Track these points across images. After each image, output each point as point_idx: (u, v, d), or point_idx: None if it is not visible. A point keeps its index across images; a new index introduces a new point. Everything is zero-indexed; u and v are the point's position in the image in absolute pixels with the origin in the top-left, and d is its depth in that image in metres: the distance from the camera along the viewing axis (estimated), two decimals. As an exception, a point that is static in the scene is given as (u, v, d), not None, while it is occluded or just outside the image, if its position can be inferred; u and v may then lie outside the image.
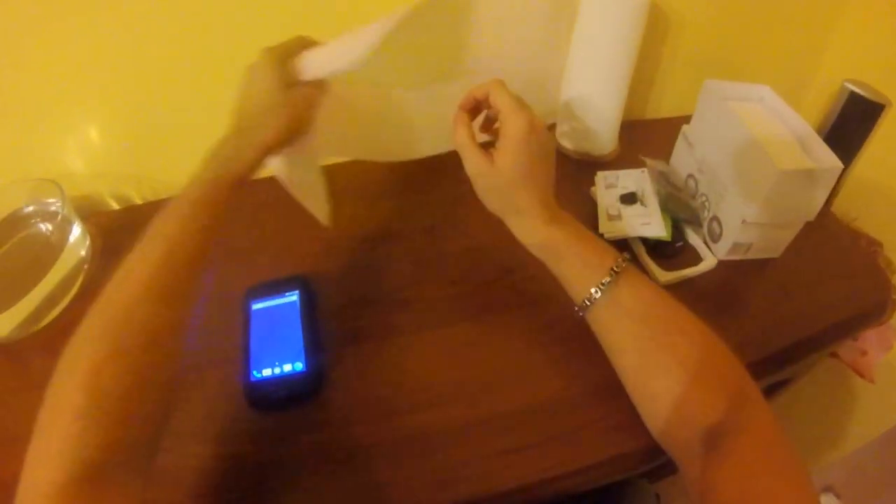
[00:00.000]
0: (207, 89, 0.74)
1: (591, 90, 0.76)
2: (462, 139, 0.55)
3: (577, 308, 0.53)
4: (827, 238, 0.73)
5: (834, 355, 0.90)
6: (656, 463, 0.57)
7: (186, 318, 0.47)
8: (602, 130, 0.80)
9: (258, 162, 0.51)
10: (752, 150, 0.62)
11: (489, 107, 0.56)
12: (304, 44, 0.55)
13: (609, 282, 0.50)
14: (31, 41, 0.65)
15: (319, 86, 0.55)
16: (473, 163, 0.54)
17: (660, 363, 0.48)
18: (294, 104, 0.53)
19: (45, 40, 0.66)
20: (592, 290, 0.51)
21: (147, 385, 0.43)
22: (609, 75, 0.74)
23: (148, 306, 0.44)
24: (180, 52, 0.71)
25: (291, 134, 0.53)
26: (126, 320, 0.43)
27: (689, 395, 0.46)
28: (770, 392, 0.86)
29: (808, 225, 0.66)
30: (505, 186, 0.53)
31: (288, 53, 0.54)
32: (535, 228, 0.53)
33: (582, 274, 0.52)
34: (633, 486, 0.67)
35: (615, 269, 0.50)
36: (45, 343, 0.66)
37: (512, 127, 0.52)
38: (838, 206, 0.79)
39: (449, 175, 0.78)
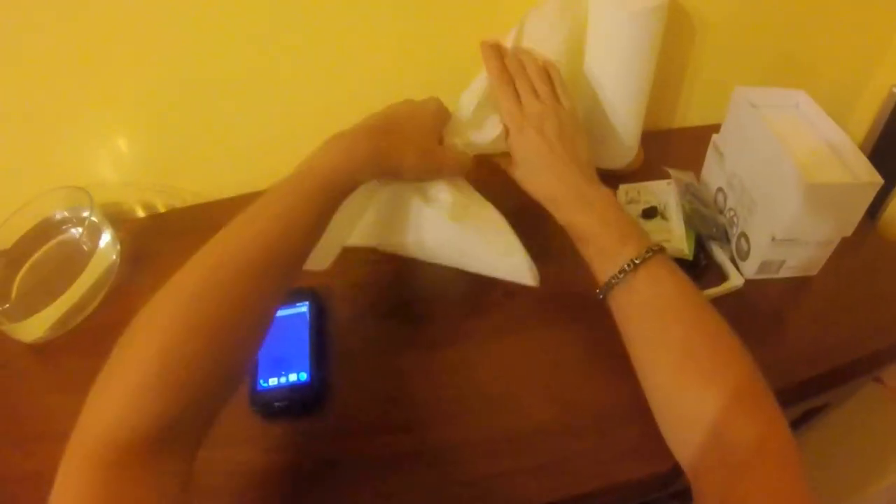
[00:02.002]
0: (234, 103, 0.76)
1: (605, 97, 0.71)
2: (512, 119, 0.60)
3: (597, 291, 0.53)
4: (872, 256, 0.69)
5: (878, 380, 0.84)
6: (670, 490, 0.54)
7: (277, 303, 0.46)
8: (618, 141, 0.74)
9: (366, 180, 0.52)
10: (780, 161, 0.58)
11: None
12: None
13: (626, 271, 0.50)
14: (64, 56, 0.68)
15: (460, 158, 0.58)
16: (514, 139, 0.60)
17: (685, 368, 0.47)
18: (438, 161, 0.56)
19: (77, 56, 0.68)
20: (610, 278, 0.51)
21: (222, 364, 0.41)
22: (625, 81, 0.69)
23: (249, 283, 0.43)
24: (209, 67, 0.72)
25: (429, 176, 0.57)
26: (221, 297, 0.42)
27: (719, 409, 0.44)
28: (807, 418, 0.81)
29: (850, 242, 0.61)
30: (528, 175, 0.59)
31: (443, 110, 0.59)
32: (560, 216, 0.57)
33: (600, 260, 0.53)
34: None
35: (635, 260, 0.49)
36: (74, 345, 0.68)
37: (510, 121, 0.60)
38: (887, 222, 0.74)
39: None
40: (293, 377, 0.58)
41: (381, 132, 0.53)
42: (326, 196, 0.48)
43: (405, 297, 0.68)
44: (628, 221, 0.54)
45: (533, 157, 0.58)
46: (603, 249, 0.53)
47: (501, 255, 0.59)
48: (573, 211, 0.55)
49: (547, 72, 0.63)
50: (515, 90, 0.61)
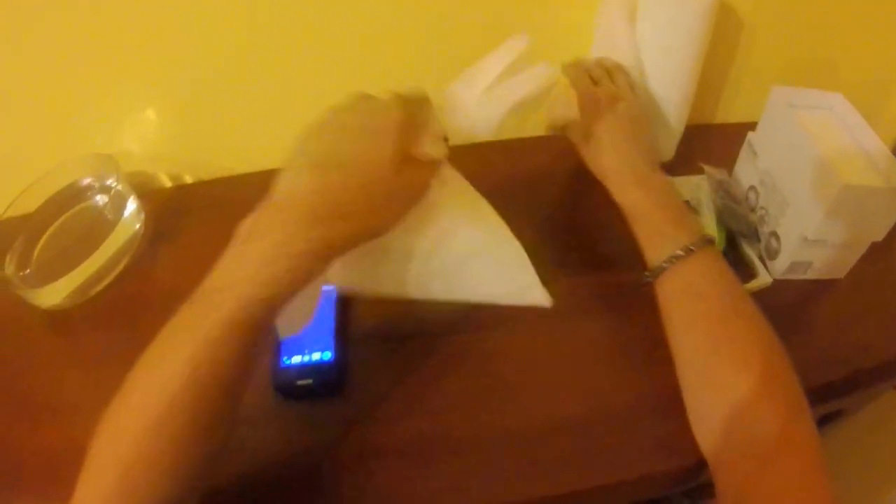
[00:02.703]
0: (266, 79, 0.75)
1: (654, 95, 0.72)
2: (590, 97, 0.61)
3: (646, 273, 0.54)
4: (900, 262, 0.68)
5: (897, 388, 0.83)
6: (691, 484, 0.54)
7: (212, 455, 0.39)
8: (666, 134, 0.76)
9: (318, 275, 0.40)
10: (815, 161, 0.58)
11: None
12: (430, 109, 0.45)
13: (680, 256, 0.50)
14: (97, 21, 0.67)
15: (433, 171, 0.44)
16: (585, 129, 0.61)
17: (720, 350, 0.47)
18: (408, 198, 0.42)
19: (111, 21, 0.68)
20: (663, 261, 0.51)
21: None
22: (673, 80, 0.70)
23: (162, 444, 0.36)
24: (243, 41, 0.72)
25: (403, 215, 0.43)
26: (135, 459, 0.36)
27: (750, 396, 0.44)
28: (822, 423, 0.81)
29: (878, 247, 0.61)
30: (592, 156, 0.61)
31: (416, 111, 0.43)
32: (617, 191, 0.57)
33: (653, 242, 0.53)
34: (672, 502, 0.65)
35: (691, 247, 0.50)
36: (92, 315, 0.68)
37: (590, 106, 0.60)
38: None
39: (499, 174, 0.78)
40: (317, 356, 0.57)
41: (323, 208, 0.39)
42: (242, 338, 0.37)
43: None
44: (684, 209, 0.55)
45: (602, 134, 0.60)
46: (658, 230, 0.53)
47: (510, 285, 0.52)
48: (632, 188, 0.56)
49: (621, 67, 0.67)
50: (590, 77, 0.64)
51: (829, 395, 0.61)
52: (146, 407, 0.37)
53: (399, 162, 0.41)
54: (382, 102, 0.43)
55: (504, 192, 0.66)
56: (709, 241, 0.51)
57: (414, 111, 0.43)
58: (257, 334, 0.38)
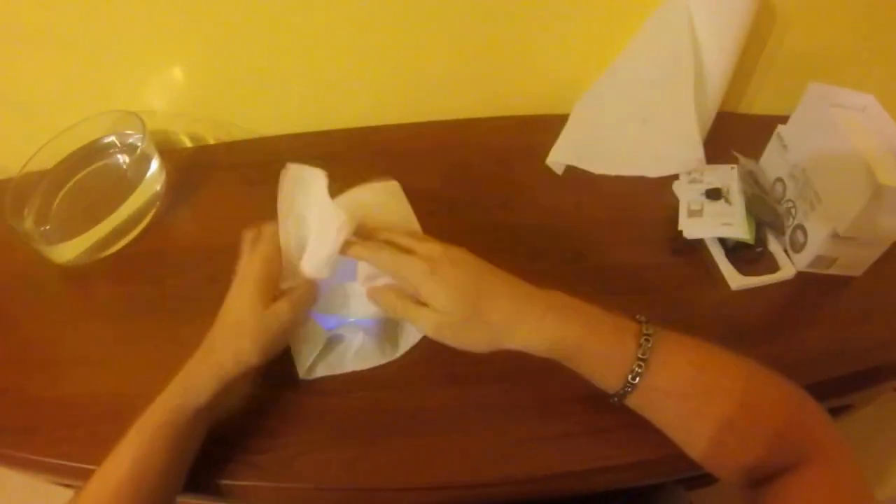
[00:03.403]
0: (291, 43, 0.74)
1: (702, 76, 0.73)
2: (393, 303, 0.51)
3: (612, 397, 0.47)
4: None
5: (896, 390, 0.85)
6: (697, 472, 0.55)
7: None
8: (704, 118, 0.77)
9: (221, 393, 0.49)
10: (851, 160, 0.58)
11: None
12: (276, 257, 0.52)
13: (640, 370, 0.44)
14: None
15: (298, 305, 0.51)
16: (426, 316, 0.48)
17: (716, 439, 0.44)
18: (267, 330, 0.49)
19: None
20: (624, 384, 0.45)
21: None
22: (717, 64, 0.72)
23: None
24: (272, 5, 0.71)
25: (259, 362, 0.50)
26: None
27: (750, 460, 0.44)
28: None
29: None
30: (469, 318, 0.47)
31: (270, 262, 0.52)
32: (536, 333, 0.47)
33: (609, 369, 0.46)
34: (667, 490, 0.65)
35: (641, 357, 0.44)
36: (110, 271, 0.68)
37: (412, 276, 0.48)
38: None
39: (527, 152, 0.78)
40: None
41: (202, 353, 0.50)
42: (173, 434, 0.47)
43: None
44: (600, 311, 0.48)
45: (465, 289, 0.47)
46: (607, 355, 0.46)
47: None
48: (554, 322, 0.47)
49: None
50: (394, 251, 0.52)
51: (837, 389, 0.62)
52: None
53: (263, 304, 0.50)
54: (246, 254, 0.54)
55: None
56: (649, 331, 0.45)
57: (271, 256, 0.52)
58: (179, 434, 0.48)
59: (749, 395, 0.44)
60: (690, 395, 0.45)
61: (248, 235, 0.55)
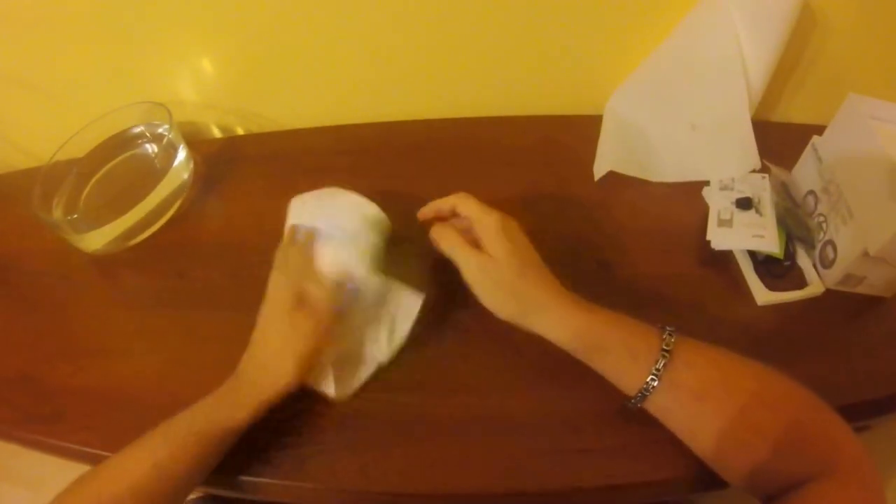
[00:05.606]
0: (321, 36, 0.74)
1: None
2: (452, 241, 0.53)
3: (632, 400, 0.47)
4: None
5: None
6: (707, 492, 0.54)
7: None
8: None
9: (260, 414, 0.51)
10: (889, 177, 0.56)
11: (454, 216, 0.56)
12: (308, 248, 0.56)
13: (664, 365, 0.45)
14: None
15: (328, 314, 0.54)
16: (473, 260, 0.52)
17: (737, 438, 0.44)
18: (305, 354, 0.52)
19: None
20: (648, 379, 0.45)
21: None
22: (756, 69, 0.71)
23: None
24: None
25: (301, 381, 0.52)
26: None
27: (771, 464, 0.43)
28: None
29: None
30: (515, 278, 0.50)
31: (300, 266, 0.55)
32: (566, 319, 0.49)
33: (632, 363, 0.47)
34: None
35: (665, 348, 0.45)
36: (137, 261, 0.69)
37: (488, 223, 0.52)
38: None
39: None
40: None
41: (243, 376, 0.52)
42: (203, 447, 0.49)
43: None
44: (617, 314, 0.49)
45: (522, 253, 0.52)
46: (633, 349, 0.47)
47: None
48: (585, 311, 0.49)
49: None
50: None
51: (858, 415, 0.60)
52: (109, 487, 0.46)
53: (294, 313, 0.53)
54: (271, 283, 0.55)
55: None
56: (673, 331, 0.47)
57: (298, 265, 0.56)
58: (211, 447, 0.49)
59: (770, 395, 0.45)
60: (712, 395, 0.45)
61: (280, 255, 0.57)
